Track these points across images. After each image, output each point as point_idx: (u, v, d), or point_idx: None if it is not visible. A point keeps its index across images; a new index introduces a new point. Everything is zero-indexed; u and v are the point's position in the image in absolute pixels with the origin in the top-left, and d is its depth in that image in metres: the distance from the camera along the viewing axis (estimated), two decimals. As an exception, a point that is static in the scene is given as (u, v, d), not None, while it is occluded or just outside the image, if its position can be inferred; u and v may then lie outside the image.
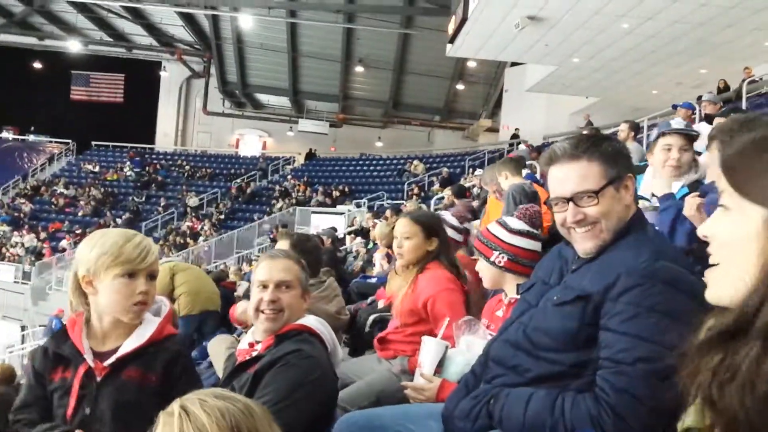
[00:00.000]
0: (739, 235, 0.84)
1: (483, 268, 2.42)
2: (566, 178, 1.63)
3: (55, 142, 31.20)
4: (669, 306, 1.44)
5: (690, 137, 2.99)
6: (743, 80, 12.62)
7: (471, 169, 18.87)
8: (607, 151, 1.63)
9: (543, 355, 1.59)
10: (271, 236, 17.51)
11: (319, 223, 16.72)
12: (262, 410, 1.16)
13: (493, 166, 5.52)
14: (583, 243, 1.63)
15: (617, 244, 1.61)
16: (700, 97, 10.76)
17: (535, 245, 2.39)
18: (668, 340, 1.36)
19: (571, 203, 1.62)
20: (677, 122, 3.13)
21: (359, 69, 27.37)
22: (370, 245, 8.97)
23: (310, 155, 28.30)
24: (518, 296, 2.01)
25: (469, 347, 2.31)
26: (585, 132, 6.61)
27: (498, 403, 1.60)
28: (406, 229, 2.80)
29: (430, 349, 2.23)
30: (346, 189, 23.10)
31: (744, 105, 11.27)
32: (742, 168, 0.85)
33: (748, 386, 0.76)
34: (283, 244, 3.12)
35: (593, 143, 1.64)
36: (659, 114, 13.47)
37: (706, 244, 0.92)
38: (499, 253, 2.35)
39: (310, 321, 2.06)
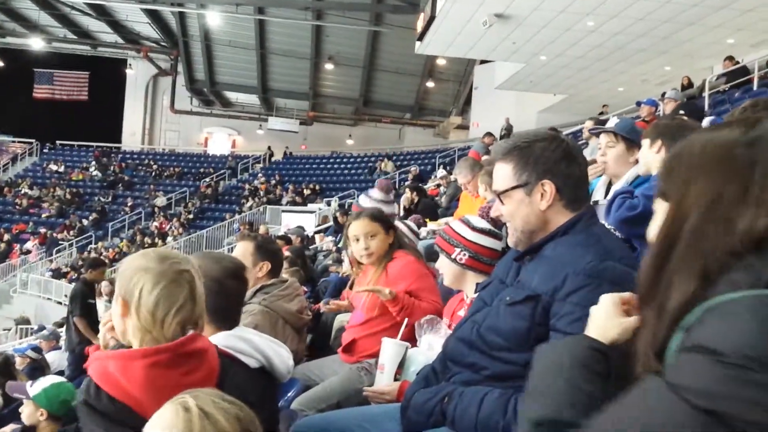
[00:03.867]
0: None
1: (444, 265, 2.42)
2: (494, 176, 1.75)
3: (19, 141, 30.52)
4: None
5: (615, 135, 3.01)
6: (705, 78, 12.85)
7: (441, 167, 18.94)
8: (525, 154, 1.66)
9: (496, 355, 1.60)
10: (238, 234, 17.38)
11: (289, 221, 16.62)
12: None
13: (469, 161, 5.53)
14: (509, 237, 1.74)
15: (561, 240, 1.62)
16: (664, 94, 10.94)
17: (497, 244, 2.40)
18: None
19: (495, 200, 1.73)
20: (609, 123, 3.26)
21: (329, 66, 27.28)
22: (340, 243, 8.94)
23: (286, 154, 28.13)
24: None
25: (430, 347, 2.31)
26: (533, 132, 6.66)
27: (452, 402, 1.60)
28: (370, 228, 2.84)
29: (390, 351, 2.22)
30: (317, 187, 23.02)
31: (706, 102, 11.47)
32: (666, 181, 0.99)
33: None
34: (245, 246, 3.08)
35: (516, 146, 1.69)
36: (625, 110, 13.67)
37: None
38: (461, 251, 2.35)
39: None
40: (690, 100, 10.84)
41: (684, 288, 0.84)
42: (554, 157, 1.66)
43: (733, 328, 0.73)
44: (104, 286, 8.51)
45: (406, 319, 2.52)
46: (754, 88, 11.65)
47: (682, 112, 5.71)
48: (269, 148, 28.22)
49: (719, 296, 0.78)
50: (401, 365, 2.21)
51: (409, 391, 1.79)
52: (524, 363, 1.51)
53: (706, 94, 11.77)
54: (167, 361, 1.50)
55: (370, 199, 4.83)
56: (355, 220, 2.93)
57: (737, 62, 12.68)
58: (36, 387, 2.97)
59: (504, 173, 1.69)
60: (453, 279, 2.41)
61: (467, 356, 1.66)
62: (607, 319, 1.14)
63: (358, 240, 2.85)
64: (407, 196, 7.52)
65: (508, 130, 16.59)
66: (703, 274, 0.83)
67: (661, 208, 0.97)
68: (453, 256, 2.36)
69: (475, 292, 1.99)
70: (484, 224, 2.42)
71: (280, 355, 1.92)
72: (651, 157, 2.67)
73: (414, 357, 2.21)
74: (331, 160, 26.54)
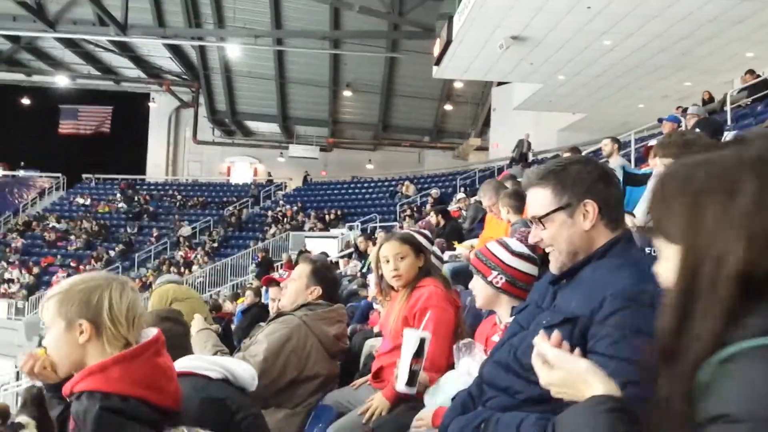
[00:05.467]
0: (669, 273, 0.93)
1: (478, 286, 2.41)
2: (528, 202, 1.76)
3: (45, 176, 31.14)
4: (655, 328, 1.46)
5: None
6: (727, 92, 12.76)
7: (462, 188, 18.95)
8: (562, 177, 1.69)
9: (533, 378, 1.54)
10: (257, 261, 17.52)
11: (312, 247, 16.70)
12: None
13: (493, 183, 5.54)
14: (551, 262, 1.73)
15: (598, 264, 1.63)
16: (685, 110, 10.88)
17: (533, 269, 2.39)
18: None
19: (533, 226, 1.73)
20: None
21: (347, 93, 27.56)
22: (365, 268, 8.97)
23: (305, 180, 28.35)
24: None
25: (468, 372, 2.31)
26: (565, 154, 6.68)
27: (488, 428, 1.60)
28: (399, 250, 2.85)
29: (408, 341, 2.24)
30: (339, 212, 23.12)
31: (728, 116, 11.39)
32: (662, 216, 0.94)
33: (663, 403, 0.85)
34: (303, 268, 3.18)
35: (552, 170, 1.72)
36: (646, 127, 13.61)
37: None
38: (498, 274, 2.34)
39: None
40: (711, 115, 10.77)
41: (708, 338, 0.81)
42: (592, 178, 1.69)
43: (745, 388, 0.74)
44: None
45: (429, 312, 2.53)
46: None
47: (698, 129, 5.68)
48: (306, 174, 28.49)
49: (730, 347, 0.78)
50: (418, 354, 2.21)
51: (446, 418, 1.79)
52: None
53: (728, 108, 11.69)
54: (160, 351, 1.64)
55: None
56: (386, 242, 2.95)
57: (758, 75, 12.59)
58: None
59: (542, 197, 1.70)
60: (486, 301, 2.40)
61: (503, 380, 1.66)
62: None
63: (388, 261, 2.86)
64: (433, 219, 7.53)
65: (526, 148, 16.50)
66: (727, 321, 0.81)
67: (665, 249, 0.93)
68: (489, 279, 2.35)
69: (511, 315, 2.00)
70: (523, 249, 2.41)
71: (240, 365, 2.07)
72: None
73: (452, 380, 2.21)
74: (352, 185, 26.67)
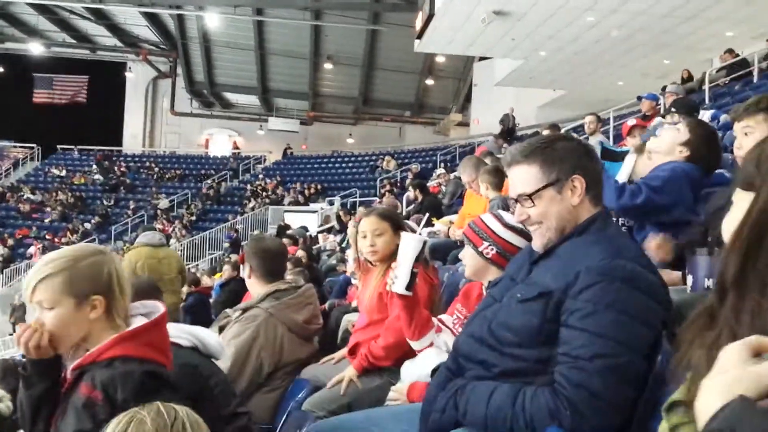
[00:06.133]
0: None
1: (468, 256, 2.43)
2: (513, 181, 1.75)
3: (20, 146, 30.58)
4: (626, 304, 1.49)
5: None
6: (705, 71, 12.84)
7: (442, 164, 18.95)
8: (549, 154, 1.69)
9: (507, 351, 1.62)
10: (230, 239, 17.56)
11: (292, 221, 16.65)
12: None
13: (472, 160, 5.54)
14: (534, 240, 1.73)
15: (576, 240, 1.65)
16: (664, 88, 10.93)
17: (524, 243, 2.40)
18: (625, 338, 1.47)
19: (517, 204, 1.72)
20: (659, 128, 3.25)
21: (328, 66, 27.28)
22: (344, 243, 8.97)
23: (286, 153, 28.13)
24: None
25: (447, 346, 2.31)
26: (544, 131, 6.70)
27: (463, 396, 1.63)
28: (377, 226, 2.85)
29: (406, 244, 2.22)
30: (319, 187, 23.03)
31: (707, 95, 11.47)
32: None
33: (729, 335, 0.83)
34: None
35: (537, 147, 1.71)
36: (625, 105, 13.67)
37: None
38: (489, 245, 2.35)
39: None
40: (689, 94, 10.84)
41: None
42: (578, 153, 1.71)
43: None
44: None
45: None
46: (755, 80, 11.64)
47: (673, 109, 5.74)
48: (287, 146, 28.32)
49: None
50: (418, 259, 2.20)
51: (429, 394, 1.79)
52: (534, 359, 1.58)
53: (706, 87, 11.76)
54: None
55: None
56: (365, 217, 2.95)
57: (737, 55, 12.67)
58: None
59: (529, 174, 1.70)
60: (475, 271, 2.41)
61: (478, 353, 1.68)
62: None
63: (365, 237, 2.86)
64: (411, 194, 7.52)
65: (512, 123, 16.49)
66: None
67: (742, 199, 0.95)
68: (480, 249, 2.37)
69: (487, 288, 2.01)
70: (516, 222, 2.44)
71: (208, 334, 2.08)
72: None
73: (429, 356, 2.23)
74: (332, 160, 26.55)
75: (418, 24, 16.11)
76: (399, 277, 2.18)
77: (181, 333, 1.97)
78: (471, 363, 1.70)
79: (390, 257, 2.81)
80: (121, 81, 31.32)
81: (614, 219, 2.40)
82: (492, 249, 2.35)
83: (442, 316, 2.49)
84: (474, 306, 2.40)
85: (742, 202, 0.94)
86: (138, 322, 1.63)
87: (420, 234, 2.27)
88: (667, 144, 2.77)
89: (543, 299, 1.57)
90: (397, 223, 2.91)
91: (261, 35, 25.84)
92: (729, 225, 0.97)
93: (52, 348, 1.57)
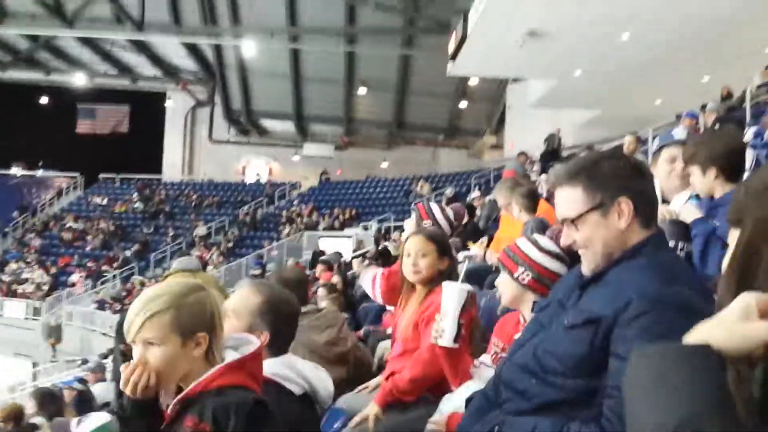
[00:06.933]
0: None
1: (504, 282, 2.37)
2: (557, 203, 1.68)
3: (63, 176, 31.43)
4: (681, 333, 1.39)
5: None
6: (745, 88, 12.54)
7: (477, 187, 18.82)
8: (594, 175, 1.61)
9: (551, 380, 1.55)
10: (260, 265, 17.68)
11: (326, 247, 16.67)
12: None
13: (508, 182, 5.47)
14: (583, 264, 1.65)
15: (626, 265, 1.57)
16: (704, 106, 10.70)
17: (562, 268, 2.33)
18: None
19: (564, 227, 1.65)
20: (679, 133, 3.12)
21: (362, 91, 27.48)
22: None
23: (322, 179, 28.23)
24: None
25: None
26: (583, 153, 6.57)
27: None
28: (421, 246, 2.77)
29: (450, 295, 2.15)
30: (353, 212, 23.07)
31: (747, 113, 11.17)
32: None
33: None
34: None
35: (582, 167, 1.64)
36: (664, 124, 13.41)
37: None
38: (524, 270, 2.29)
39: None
40: (730, 112, 10.58)
41: None
42: (625, 173, 1.62)
43: None
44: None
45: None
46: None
47: (717, 126, 5.58)
48: (324, 171, 28.60)
49: None
50: (464, 309, 2.15)
51: (464, 422, 1.74)
52: (579, 390, 1.50)
53: (747, 104, 11.46)
54: None
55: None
56: (413, 236, 2.88)
57: (777, 71, 12.36)
58: (83, 428, 2.97)
59: (573, 197, 1.63)
60: (512, 299, 2.35)
61: (520, 382, 1.61)
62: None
63: (409, 255, 2.79)
64: (461, 210, 7.38)
65: (557, 143, 16.28)
66: None
67: (735, 236, 0.95)
68: (516, 275, 2.31)
69: (533, 311, 1.95)
70: (553, 246, 2.36)
71: (322, 380, 1.99)
72: (707, 183, 2.61)
73: (469, 388, 2.15)
74: (367, 185, 26.61)
75: (451, 47, 16.14)
76: (446, 330, 2.12)
77: (296, 376, 1.90)
78: (511, 392, 1.63)
79: (431, 281, 2.75)
80: (161, 110, 32.05)
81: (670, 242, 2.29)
82: (528, 275, 2.29)
83: (482, 358, 2.41)
84: (511, 338, 2.33)
85: (734, 239, 0.96)
86: (231, 353, 1.64)
87: (463, 283, 2.21)
88: None
89: (591, 326, 1.50)
90: (443, 247, 2.83)
91: (296, 62, 26.20)
92: (725, 262, 1.00)
93: (156, 387, 1.57)
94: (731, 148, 2.69)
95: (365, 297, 6.93)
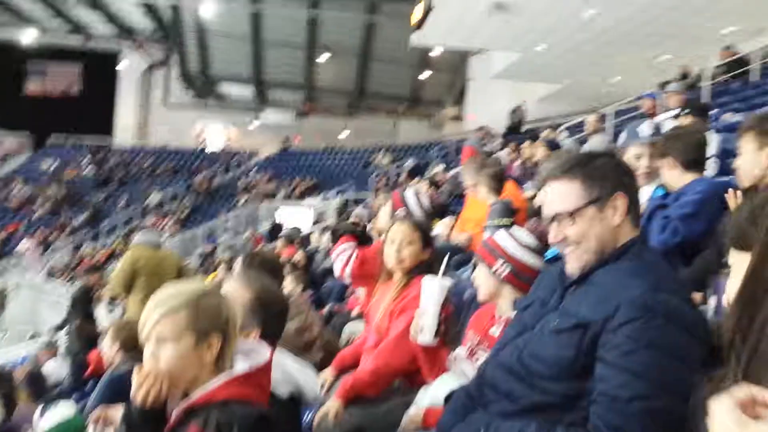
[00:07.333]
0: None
1: (481, 276, 2.33)
2: (550, 198, 1.64)
3: (11, 136, 30.31)
4: (667, 341, 1.41)
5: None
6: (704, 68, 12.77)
7: (439, 160, 18.81)
8: (590, 169, 1.60)
9: (536, 383, 1.54)
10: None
11: (284, 218, 16.50)
12: None
13: (474, 164, 5.43)
14: (569, 263, 1.62)
15: (613, 267, 1.56)
16: (663, 85, 10.83)
17: (540, 263, 2.32)
18: (665, 379, 1.38)
19: (553, 223, 1.62)
20: (644, 129, 3.23)
21: (324, 57, 27.08)
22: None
23: (284, 147, 27.74)
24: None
25: (465, 374, 2.20)
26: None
27: None
28: (407, 234, 2.72)
29: (431, 290, 2.12)
30: (312, 182, 22.89)
31: (706, 93, 11.37)
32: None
33: None
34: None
35: (577, 163, 1.62)
36: (624, 101, 13.58)
37: None
38: (503, 263, 2.26)
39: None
40: (692, 93, 10.75)
41: None
42: (619, 171, 1.64)
43: None
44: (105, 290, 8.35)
45: (406, 314, 2.43)
46: (755, 78, 11.57)
47: (687, 110, 5.68)
48: (286, 138, 28.02)
49: None
50: (444, 305, 2.14)
51: (446, 421, 1.70)
52: (564, 394, 1.50)
53: (706, 85, 11.66)
54: None
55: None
56: (399, 224, 2.82)
57: (734, 53, 12.59)
58: (45, 422, 2.86)
59: (570, 191, 1.60)
60: (488, 292, 2.32)
61: (505, 383, 1.60)
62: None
63: (393, 243, 2.73)
64: (425, 190, 7.32)
65: (521, 117, 16.44)
66: None
67: (739, 261, 0.94)
68: (493, 269, 2.27)
69: (514, 309, 1.93)
70: (531, 240, 2.33)
71: (308, 381, 1.99)
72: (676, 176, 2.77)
73: (446, 381, 2.12)
74: (326, 155, 26.39)
75: (417, 16, 15.98)
76: (425, 327, 2.08)
77: (284, 378, 1.88)
78: (496, 393, 1.61)
79: (411, 272, 2.70)
80: (114, 71, 30.91)
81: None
82: (506, 269, 2.26)
83: (457, 351, 2.37)
84: (486, 332, 2.30)
85: (738, 264, 0.96)
86: (240, 362, 1.61)
87: (442, 278, 2.16)
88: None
89: (579, 331, 1.49)
90: (426, 237, 2.78)
91: (257, 25, 25.59)
92: (731, 289, 0.99)
93: (166, 395, 1.54)
94: (698, 142, 2.88)
95: (327, 273, 6.85)
